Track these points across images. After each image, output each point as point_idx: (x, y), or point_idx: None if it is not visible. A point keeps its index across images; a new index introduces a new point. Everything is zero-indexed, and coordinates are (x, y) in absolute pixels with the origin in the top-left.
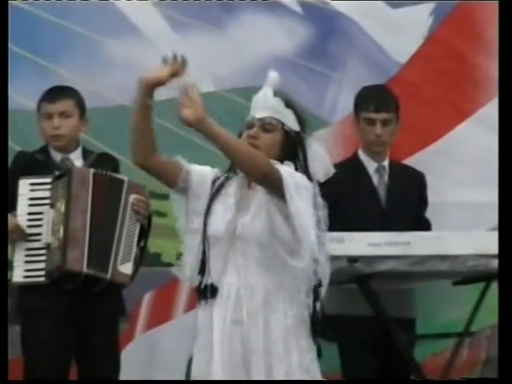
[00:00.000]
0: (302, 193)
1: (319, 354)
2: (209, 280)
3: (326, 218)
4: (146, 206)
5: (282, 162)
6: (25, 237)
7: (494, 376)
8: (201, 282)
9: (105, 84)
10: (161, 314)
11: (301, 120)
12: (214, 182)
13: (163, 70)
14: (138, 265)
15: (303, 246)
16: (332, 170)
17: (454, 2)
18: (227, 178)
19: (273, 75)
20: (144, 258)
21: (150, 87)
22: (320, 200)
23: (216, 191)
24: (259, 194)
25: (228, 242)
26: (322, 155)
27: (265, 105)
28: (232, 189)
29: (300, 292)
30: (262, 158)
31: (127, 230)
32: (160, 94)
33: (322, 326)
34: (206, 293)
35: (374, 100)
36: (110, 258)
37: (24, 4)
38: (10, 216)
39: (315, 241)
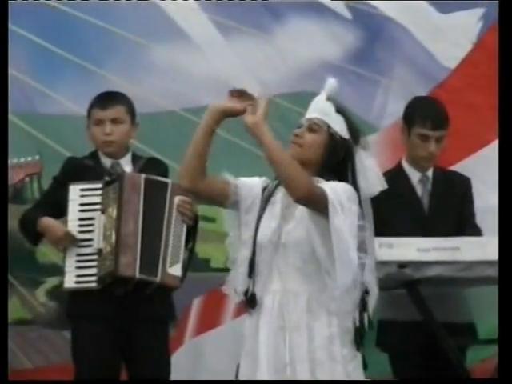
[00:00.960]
0: (346, 212)
1: (364, 365)
2: (252, 289)
3: (371, 238)
4: (191, 206)
5: (324, 164)
6: (76, 242)
7: None
8: (247, 290)
9: (151, 89)
10: (210, 320)
11: (352, 129)
12: (263, 191)
13: (238, 103)
14: (187, 266)
15: (339, 267)
16: (385, 186)
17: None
18: (277, 186)
19: (330, 81)
20: (192, 259)
21: (222, 115)
22: (362, 222)
23: (266, 200)
24: None
25: (272, 250)
26: (375, 170)
27: (315, 107)
28: (279, 196)
29: (344, 301)
30: (307, 180)
31: (174, 232)
32: (208, 99)
33: (378, 334)
34: (247, 302)
35: (431, 117)
36: (159, 260)
37: (71, 8)
38: (58, 223)
39: (355, 263)
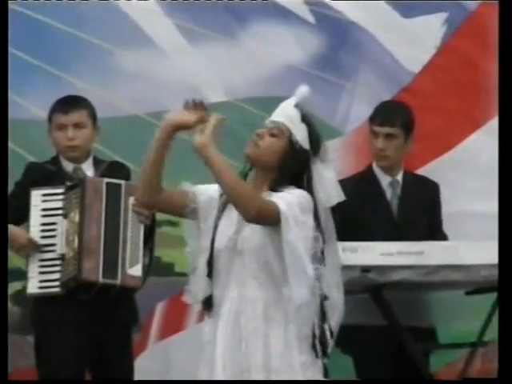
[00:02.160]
0: (300, 225)
1: (326, 373)
2: (209, 292)
3: (334, 251)
4: None
5: (281, 170)
6: (38, 249)
7: None
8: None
9: (117, 94)
10: (173, 324)
11: (313, 140)
12: (220, 197)
13: (190, 116)
14: (148, 266)
15: (294, 283)
16: (342, 198)
17: (467, 10)
18: None
19: (302, 89)
20: (154, 260)
21: (174, 129)
22: (317, 233)
23: (223, 205)
24: None
25: (229, 256)
26: (332, 182)
27: (282, 111)
28: None
29: (301, 312)
30: (255, 199)
31: (131, 233)
32: (174, 104)
33: (342, 338)
34: (204, 305)
35: (379, 114)
36: (118, 263)
37: (37, 14)
38: (21, 230)
39: (311, 276)
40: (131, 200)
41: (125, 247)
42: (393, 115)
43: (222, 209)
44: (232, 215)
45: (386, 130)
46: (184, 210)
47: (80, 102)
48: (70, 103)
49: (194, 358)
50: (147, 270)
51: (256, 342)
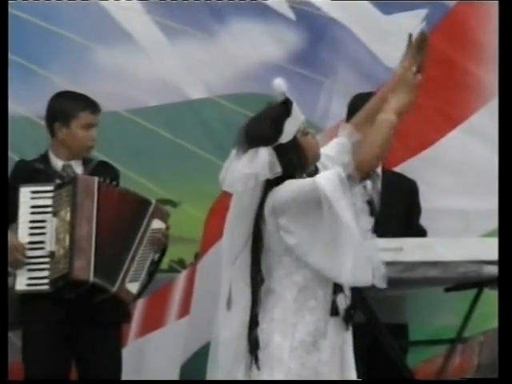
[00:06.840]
0: None
1: None
2: None
3: None
4: (165, 237)
5: None
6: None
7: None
8: None
9: (95, 90)
10: (153, 321)
11: None
12: None
13: None
14: (144, 287)
15: None
16: None
17: (445, 7)
18: None
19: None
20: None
21: None
22: None
23: None
24: None
25: None
26: None
27: None
28: None
29: None
30: None
31: (143, 251)
32: (152, 100)
33: None
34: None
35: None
36: (121, 272)
37: (15, 10)
38: (18, 242)
39: None
40: (154, 223)
41: (132, 262)
42: None
43: None
44: None
45: None
46: None
47: (98, 105)
48: (95, 104)
49: (172, 355)
50: (142, 291)
51: None
